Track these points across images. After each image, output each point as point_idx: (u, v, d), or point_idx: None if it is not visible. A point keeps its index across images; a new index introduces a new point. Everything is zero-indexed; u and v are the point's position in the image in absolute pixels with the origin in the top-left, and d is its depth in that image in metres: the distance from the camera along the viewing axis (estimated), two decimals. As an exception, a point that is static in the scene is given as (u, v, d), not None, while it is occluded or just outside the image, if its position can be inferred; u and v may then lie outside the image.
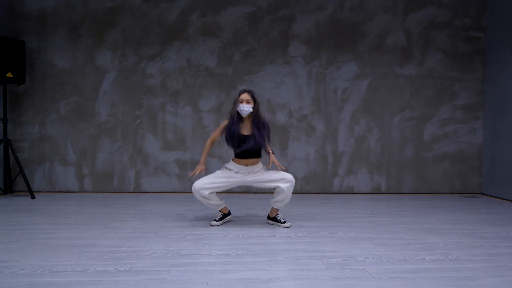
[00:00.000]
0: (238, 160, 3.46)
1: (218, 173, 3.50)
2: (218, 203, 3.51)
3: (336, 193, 5.52)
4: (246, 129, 3.43)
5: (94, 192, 5.36)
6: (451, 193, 5.60)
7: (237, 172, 3.46)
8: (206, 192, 3.37)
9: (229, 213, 3.68)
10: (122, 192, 5.38)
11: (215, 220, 3.58)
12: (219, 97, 5.39)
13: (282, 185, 3.39)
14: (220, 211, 3.62)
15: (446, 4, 5.46)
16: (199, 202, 4.50)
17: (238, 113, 3.43)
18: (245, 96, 3.39)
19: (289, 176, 3.44)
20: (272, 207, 3.59)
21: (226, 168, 3.50)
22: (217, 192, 3.47)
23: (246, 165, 3.46)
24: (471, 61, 5.52)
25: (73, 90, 5.29)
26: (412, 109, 5.54)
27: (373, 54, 5.47)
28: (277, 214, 3.61)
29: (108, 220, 3.73)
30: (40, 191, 5.32)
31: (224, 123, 3.49)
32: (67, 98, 5.29)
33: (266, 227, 3.53)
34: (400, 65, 5.49)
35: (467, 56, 5.51)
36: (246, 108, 3.36)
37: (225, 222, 3.64)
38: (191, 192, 5.54)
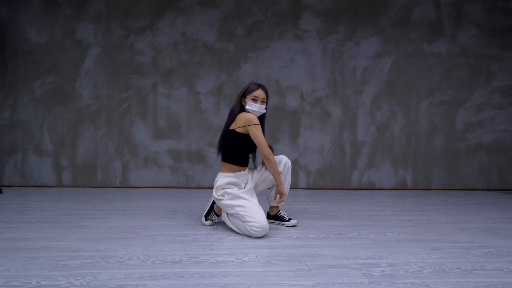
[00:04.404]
0: (236, 167, 2.66)
1: (238, 194, 2.55)
2: None
3: (354, 189, 4.76)
4: None
5: (74, 187, 4.61)
6: (487, 190, 4.84)
7: (244, 178, 2.72)
8: None
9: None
10: (107, 187, 4.63)
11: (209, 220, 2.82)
12: (219, 77, 4.65)
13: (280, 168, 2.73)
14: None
15: (482, -29, 4.74)
16: (194, 198, 3.78)
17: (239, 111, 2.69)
18: (261, 93, 2.64)
19: (283, 157, 2.76)
20: (271, 206, 2.86)
21: (227, 186, 2.60)
22: None
23: (244, 170, 2.73)
24: (511, 37, 4.77)
25: (50, 68, 4.57)
26: (443, 92, 4.79)
27: (397, 29, 4.73)
28: (279, 211, 2.86)
29: (79, 218, 2.98)
30: (11, 186, 4.58)
31: (255, 119, 2.59)
32: (42, 78, 4.56)
33: (278, 227, 2.78)
34: (429, 41, 4.75)
35: (506, 31, 4.77)
36: (262, 110, 2.65)
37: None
38: (186, 187, 4.87)
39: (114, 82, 4.61)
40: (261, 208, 2.52)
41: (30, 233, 2.49)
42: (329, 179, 4.75)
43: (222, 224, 2.80)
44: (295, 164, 4.70)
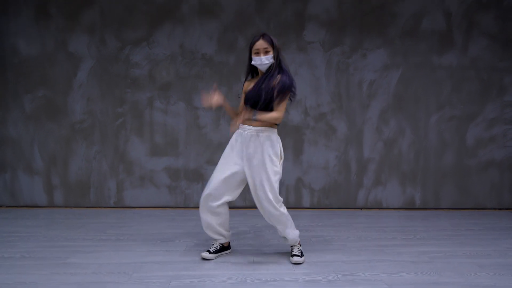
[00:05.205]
0: None
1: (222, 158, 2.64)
2: (224, 233, 2.60)
3: (361, 208, 4.55)
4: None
5: (66, 207, 4.39)
6: (499, 209, 4.62)
7: (236, 141, 2.59)
8: (214, 204, 2.50)
9: (228, 247, 2.74)
10: (101, 207, 4.41)
11: (209, 252, 2.62)
12: (218, 91, 4.42)
13: (263, 204, 2.52)
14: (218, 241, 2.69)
15: (494, -20, 4.52)
16: (193, 221, 3.58)
17: (254, 69, 2.65)
18: (261, 44, 2.47)
19: (273, 209, 2.51)
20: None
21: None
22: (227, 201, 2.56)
23: (251, 125, 2.54)
24: (524, 49, 4.57)
25: (41, 82, 4.34)
26: (453, 106, 4.58)
27: (406, 40, 4.51)
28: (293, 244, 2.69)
29: (68, 251, 2.76)
30: (0, 206, 4.35)
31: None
32: (33, 92, 4.34)
33: (283, 263, 2.56)
34: (439, 53, 4.54)
35: (519, 43, 4.56)
36: (265, 61, 2.47)
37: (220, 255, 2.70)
38: (184, 207, 4.65)
39: (108, 96, 4.38)
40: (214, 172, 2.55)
41: (11, 275, 2.27)
42: (334, 197, 4.53)
43: (221, 260, 2.58)
44: (299, 182, 4.49)
